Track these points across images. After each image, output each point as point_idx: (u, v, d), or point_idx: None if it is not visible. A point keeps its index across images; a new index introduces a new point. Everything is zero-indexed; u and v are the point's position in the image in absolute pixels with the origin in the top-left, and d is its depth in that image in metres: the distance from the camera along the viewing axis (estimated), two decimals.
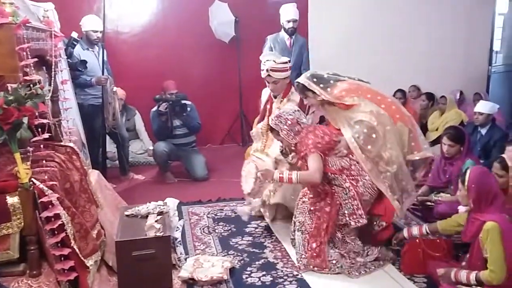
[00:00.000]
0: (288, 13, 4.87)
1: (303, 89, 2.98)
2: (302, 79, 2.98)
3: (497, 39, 6.64)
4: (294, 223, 2.99)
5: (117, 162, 5.13)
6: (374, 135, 2.80)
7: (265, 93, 3.65)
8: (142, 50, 5.93)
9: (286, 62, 3.41)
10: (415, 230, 2.88)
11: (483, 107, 4.40)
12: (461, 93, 5.88)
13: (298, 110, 3.01)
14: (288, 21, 4.86)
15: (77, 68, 4.26)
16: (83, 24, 4.56)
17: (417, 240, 2.81)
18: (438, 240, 2.82)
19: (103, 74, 4.51)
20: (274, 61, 3.36)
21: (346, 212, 2.78)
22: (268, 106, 3.50)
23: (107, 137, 4.83)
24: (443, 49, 6.37)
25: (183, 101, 4.82)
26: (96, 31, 4.53)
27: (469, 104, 5.90)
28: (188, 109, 4.88)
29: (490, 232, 2.25)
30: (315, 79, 2.96)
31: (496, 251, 2.23)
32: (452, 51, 6.43)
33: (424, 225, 2.89)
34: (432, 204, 3.55)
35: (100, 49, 4.62)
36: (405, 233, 2.91)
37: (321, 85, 2.93)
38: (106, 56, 4.64)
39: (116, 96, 4.59)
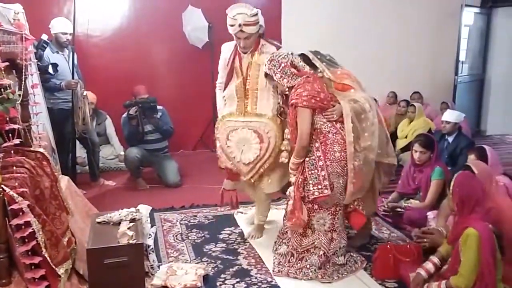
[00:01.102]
0: None
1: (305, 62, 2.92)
2: (306, 51, 2.97)
3: (463, 50, 6.88)
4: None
5: (87, 167, 5.03)
6: (363, 116, 2.83)
7: (227, 49, 3.29)
8: (114, 54, 5.85)
9: (257, 14, 3.08)
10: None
11: (450, 116, 4.55)
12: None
13: (292, 53, 2.89)
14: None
15: (47, 71, 4.16)
16: (52, 27, 4.47)
17: (388, 246, 2.87)
18: (408, 246, 2.89)
19: (73, 77, 4.43)
20: (246, 14, 3.01)
21: (311, 182, 2.74)
22: (238, 64, 3.19)
23: (77, 142, 4.73)
24: (411, 58, 6.61)
25: (153, 104, 4.78)
26: (66, 33, 4.44)
27: (435, 113, 6.11)
28: (160, 113, 4.84)
29: (469, 238, 2.30)
30: (318, 56, 2.98)
31: (469, 257, 2.29)
32: (420, 60, 6.68)
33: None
34: (402, 210, 3.63)
35: (70, 52, 4.54)
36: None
37: (324, 64, 2.95)
38: (76, 60, 4.56)
39: (86, 100, 4.51)
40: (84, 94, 4.47)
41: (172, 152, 5.29)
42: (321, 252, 2.84)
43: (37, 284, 2.06)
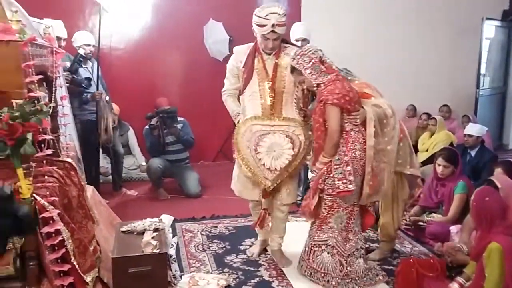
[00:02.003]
0: (294, 33, 4.39)
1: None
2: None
3: (484, 63, 6.83)
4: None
5: (109, 177, 5.12)
6: (385, 121, 2.83)
7: (241, 53, 3.10)
8: (136, 66, 5.97)
9: (285, 14, 2.93)
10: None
11: (473, 129, 4.52)
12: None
13: (320, 50, 2.83)
14: (297, 40, 4.26)
15: (81, 85, 4.32)
16: (75, 40, 4.59)
17: (411, 260, 2.85)
18: (432, 260, 2.86)
19: (97, 89, 4.54)
20: (279, 13, 2.85)
21: (336, 176, 2.70)
22: (261, 65, 3.02)
23: (101, 152, 4.83)
24: (431, 71, 6.59)
25: (174, 114, 4.85)
26: (89, 45, 4.56)
27: (457, 126, 6.06)
28: (181, 124, 4.92)
29: (492, 252, 2.28)
30: (333, 67, 2.96)
31: (494, 272, 2.27)
32: (440, 73, 6.65)
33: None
34: (424, 224, 3.61)
35: (93, 64, 4.66)
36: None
37: (345, 71, 2.98)
38: (101, 72, 4.68)
39: (109, 110, 4.61)
40: (107, 99, 4.58)
41: (192, 163, 5.34)
42: (335, 251, 2.82)
43: None
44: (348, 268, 2.82)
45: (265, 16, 2.85)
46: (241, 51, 3.11)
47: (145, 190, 5.16)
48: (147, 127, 4.91)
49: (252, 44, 3.07)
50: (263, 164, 2.99)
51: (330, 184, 2.73)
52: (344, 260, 2.83)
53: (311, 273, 2.92)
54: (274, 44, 2.96)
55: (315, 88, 2.81)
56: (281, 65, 3.00)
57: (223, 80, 3.21)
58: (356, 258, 2.85)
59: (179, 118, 4.94)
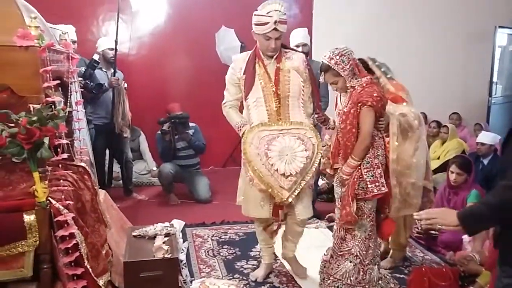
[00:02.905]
0: (295, 38, 4.46)
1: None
2: (365, 57, 2.94)
3: (497, 71, 6.78)
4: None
5: (120, 182, 5.16)
6: (409, 134, 2.82)
7: (240, 61, 3.00)
8: (149, 72, 6.03)
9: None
10: None
11: (486, 137, 4.50)
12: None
13: (352, 51, 2.74)
14: (297, 46, 4.29)
15: (92, 91, 4.40)
16: (99, 45, 4.73)
17: (423, 269, 2.84)
18: (444, 269, 2.84)
19: (114, 75, 4.66)
20: (280, 10, 2.77)
21: (368, 180, 2.63)
22: (263, 70, 2.90)
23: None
24: (443, 79, 6.55)
25: (185, 120, 4.90)
26: (112, 49, 4.68)
27: (469, 134, 6.02)
28: (192, 130, 4.95)
29: None
30: (376, 63, 2.97)
31: None
32: (452, 81, 6.61)
33: None
34: (436, 233, 3.58)
35: (114, 69, 4.77)
36: None
37: (382, 70, 2.95)
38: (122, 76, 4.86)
39: (125, 97, 4.74)
40: (125, 86, 4.71)
41: (202, 168, 5.36)
42: (358, 261, 2.75)
43: None
44: (364, 276, 2.78)
45: (267, 13, 2.76)
46: (240, 59, 3.02)
47: (155, 195, 5.19)
48: (159, 132, 4.95)
49: (251, 51, 2.99)
50: (277, 170, 2.80)
51: (362, 188, 2.67)
52: (363, 268, 2.77)
53: (324, 278, 2.85)
54: (277, 44, 2.84)
55: (348, 91, 2.71)
56: (283, 70, 2.91)
57: None
58: (373, 265, 2.82)
59: (191, 124, 4.97)
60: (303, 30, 4.52)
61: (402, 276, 3.12)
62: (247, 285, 3.07)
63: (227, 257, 3.52)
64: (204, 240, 3.86)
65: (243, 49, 6.01)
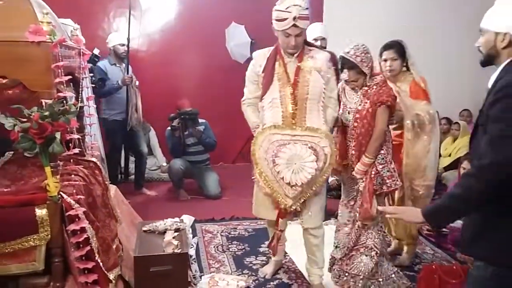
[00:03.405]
0: (312, 32, 4.33)
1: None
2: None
3: None
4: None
5: (132, 177, 5.19)
6: (421, 135, 2.89)
7: (261, 57, 2.85)
8: (159, 68, 6.04)
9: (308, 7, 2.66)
10: None
11: None
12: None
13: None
14: (315, 40, 4.22)
15: (94, 86, 4.36)
16: (110, 41, 4.75)
17: (433, 266, 2.82)
18: (454, 267, 2.82)
19: (127, 73, 4.69)
20: (301, 5, 2.58)
21: (385, 175, 2.67)
22: (282, 69, 2.74)
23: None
24: (453, 77, 6.47)
25: (195, 116, 4.92)
26: (123, 45, 4.69)
27: None
28: (203, 127, 4.96)
29: None
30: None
31: None
32: (462, 80, 6.53)
33: None
34: (446, 230, 3.56)
35: (126, 65, 4.80)
36: None
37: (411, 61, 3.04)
38: (131, 71, 4.85)
39: (138, 93, 4.79)
40: (137, 83, 4.75)
41: (212, 164, 5.38)
42: (373, 253, 2.76)
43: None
44: (377, 268, 2.78)
45: (286, 8, 2.58)
46: (261, 55, 2.87)
47: (165, 191, 5.22)
48: (169, 128, 4.97)
49: (273, 47, 2.85)
50: (282, 178, 2.63)
51: (379, 183, 2.68)
52: (377, 260, 2.77)
53: (339, 275, 2.85)
54: (297, 41, 2.66)
55: (362, 88, 2.71)
56: (303, 69, 2.72)
57: (243, 82, 3.05)
58: (384, 258, 2.83)
59: (201, 120, 4.99)
60: (320, 24, 4.49)
61: (412, 273, 3.11)
62: (256, 281, 3.07)
63: (236, 252, 3.53)
64: (214, 235, 3.88)
65: (253, 45, 6.01)
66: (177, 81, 6.10)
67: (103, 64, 4.67)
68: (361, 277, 2.75)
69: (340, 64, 2.76)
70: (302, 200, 2.73)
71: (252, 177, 2.85)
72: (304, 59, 2.74)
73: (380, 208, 1.99)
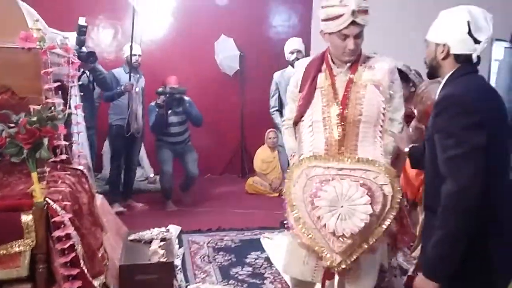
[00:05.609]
0: (290, 45, 4.47)
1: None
2: (400, 65, 2.83)
3: (494, 84, 6.84)
4: None
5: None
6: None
7: (303, 67, 2.24)
8: (148, 80, 6.05)
9: None
10: None
11: None
12: None
13: None
14: (291, 53, 4.37)
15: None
16: (124, 51, 4.84)
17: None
18: None
19: (130, 80, 4.72)
20: None
21: None
22: (329, 82, 2.13)
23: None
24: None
25: (181, 95, 4.90)
26: (135, 55, 4.75)
27: None
28: (187, 104, 4.94)
29: None
30: (413, 72, 2.94)
31: None
32: None
33: None
34: None
35: (140, 77, 4.92)
36: None
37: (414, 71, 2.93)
38: (143, 83, 5.00)
39: (139, 101, 4.84)
40: (137, 90, 4.79)
41: (200, 176, 5.36)
42: (397, 271, 2.73)
43: None
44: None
45: (340, 2, 1.98)
46: (304, 65, 2.25)
47: (152, 201, 5.19)
48: (152, 103, 4.93)
49: (317, 55, 2.25)
50: (324, 226, 1.96)
51: None
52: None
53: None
54: (357, 44, 2.05)
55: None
56: (357, 83, 2.10)
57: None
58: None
59: (185, 98, 4.96)
60: (298, 38, 4.65)
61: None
62: None
63: (223, 263, 3.53)
64: (200, 246, 3.87)
65: (242, 58, 6.08)
66: None
67: (117, 71, 4.78)
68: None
69: None
70: (355, 257, 2.04)
71: (284, 222, 2.26)
72: (359, 70, 2.12)
73: None
